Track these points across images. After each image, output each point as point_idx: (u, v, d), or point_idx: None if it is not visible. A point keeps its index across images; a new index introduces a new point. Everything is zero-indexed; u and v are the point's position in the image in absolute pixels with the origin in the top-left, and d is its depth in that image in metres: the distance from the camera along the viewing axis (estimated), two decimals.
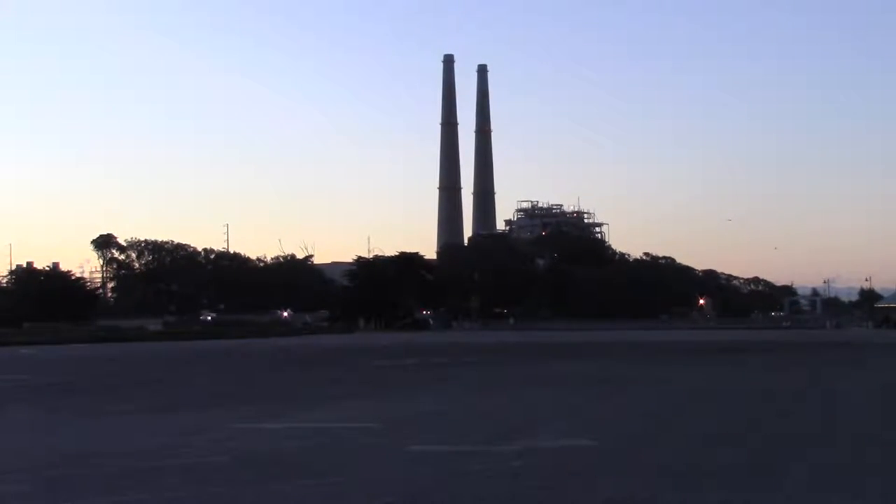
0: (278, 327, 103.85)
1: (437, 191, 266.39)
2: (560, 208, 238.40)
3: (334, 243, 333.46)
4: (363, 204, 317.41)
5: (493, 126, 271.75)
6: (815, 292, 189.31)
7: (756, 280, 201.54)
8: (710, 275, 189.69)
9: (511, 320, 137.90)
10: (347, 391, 23.02)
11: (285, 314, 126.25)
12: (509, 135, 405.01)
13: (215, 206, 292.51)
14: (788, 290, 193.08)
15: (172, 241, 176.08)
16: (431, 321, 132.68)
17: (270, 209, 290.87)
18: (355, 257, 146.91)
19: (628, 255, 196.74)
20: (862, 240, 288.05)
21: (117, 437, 14.11)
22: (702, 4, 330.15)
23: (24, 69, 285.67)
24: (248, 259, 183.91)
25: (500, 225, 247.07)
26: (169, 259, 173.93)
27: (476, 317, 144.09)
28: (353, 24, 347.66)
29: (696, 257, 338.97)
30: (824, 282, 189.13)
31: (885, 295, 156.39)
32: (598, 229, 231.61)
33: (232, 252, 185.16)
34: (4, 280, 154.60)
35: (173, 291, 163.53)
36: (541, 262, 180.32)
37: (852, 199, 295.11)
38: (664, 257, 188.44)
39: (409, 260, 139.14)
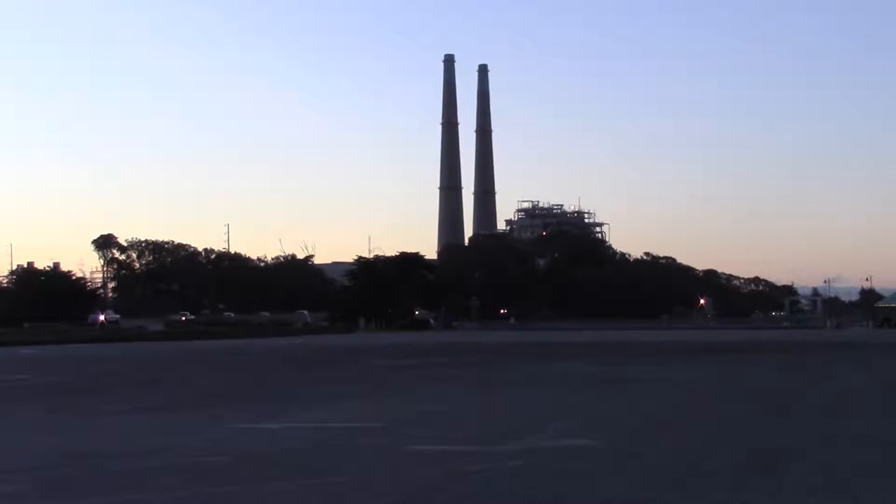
0: (279, 327, 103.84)
1: (438, 191, 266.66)
2: (561, 208, 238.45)
3: (335, 243, 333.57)
4: (364, 204, 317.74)
5: (493, 126, 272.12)
6: (815, 292, 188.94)
7: (757, 280, 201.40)
8: (711, 275, 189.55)
9: (511, 320, 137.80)
10: (347, 391, 23.01)
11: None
12: (510, 135, 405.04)
13: (215, 206, 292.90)
14: (789, 290, 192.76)
15: (173, 242, 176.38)
16: (432, 321, 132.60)
17: (271, 209, 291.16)
18: (356, 257, 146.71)
19: (629, 255, 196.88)
20: (863, 240, 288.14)
21: (117, 437, 14.10)
22: (702, 4, 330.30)
23: (25, 69, 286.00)
24: (248, 259, 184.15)
25: (501, 225, 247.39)
26: (169, 259, 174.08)
27: (476, 317, 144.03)
28: (354, 24, 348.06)
29: (696, 257, 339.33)
30: (825, 282, 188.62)
31: (886, 295, 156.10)
32: (598, 229, 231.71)
33: (232, 252, 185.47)
34: (5, 280, 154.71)
35: (174, 291, 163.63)
36: (541, 262, 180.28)
37: (853, 199, 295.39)
38: (665, 257, 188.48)
39: (409, 260, 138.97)
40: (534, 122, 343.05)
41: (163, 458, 11.78)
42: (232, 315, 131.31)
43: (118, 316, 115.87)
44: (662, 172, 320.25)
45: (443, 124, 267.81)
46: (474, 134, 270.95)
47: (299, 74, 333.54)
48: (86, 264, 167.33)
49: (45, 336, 72.53)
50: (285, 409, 17.97)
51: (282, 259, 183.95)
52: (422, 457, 11.72)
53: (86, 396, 22.34)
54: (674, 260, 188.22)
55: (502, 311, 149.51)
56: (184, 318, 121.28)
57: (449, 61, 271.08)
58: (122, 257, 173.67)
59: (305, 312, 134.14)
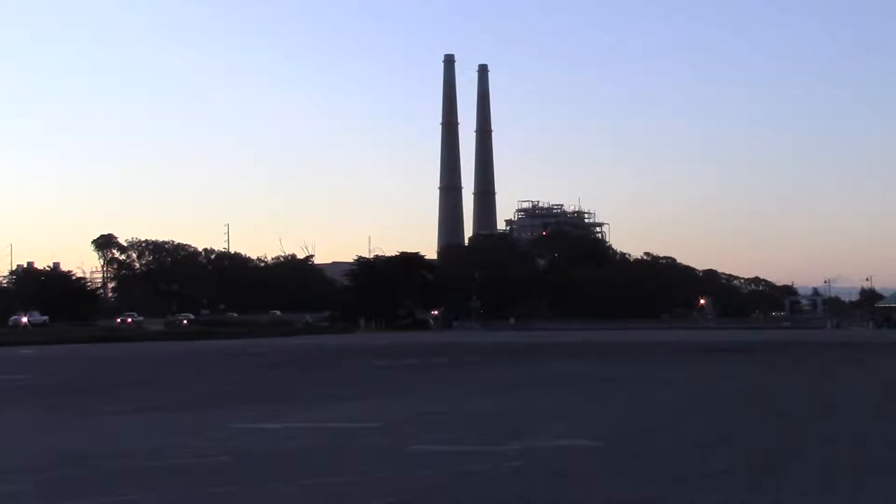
0: (280, 327, 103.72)
1: (438, 191, 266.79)
2: (560, 208, 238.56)
3: (335, 243, 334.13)
4: (364, 204, 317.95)
5: (493, 126, 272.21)
6: (815, 292, 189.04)
7: (757, 280, 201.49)
8: (711, 275, 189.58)
9: (511, 320, 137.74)
10: (347, 391, 23.00)
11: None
12: (510, 135, 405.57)
13: (215, 206, 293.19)
14: (789, 290, 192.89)
15: (173, 242, 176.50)
16: (432, 321, 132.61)
17: (270, 209, 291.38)
18: (356, 257, 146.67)
19: (629, 255, 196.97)
20: (863, 240, 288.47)
21: (117, 437, 14.10)
22: (702, 4, 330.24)
23: (25, 70, 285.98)
24: (248, 259, 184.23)
25: (501, 225, 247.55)
26: (169, 259, 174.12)
27: (476, 317, 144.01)
28: (354, 24, 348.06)
29: (696, 257, 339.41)
30: (825, 282, 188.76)
31: (886, 295, 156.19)
32: (598, 229, 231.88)
33: (232, 252, 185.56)
34: (5, 280, 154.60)
35: (174, 291, 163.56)
36: (541, 262, 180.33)
37: (853, 199, 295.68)
38: (665, 257, 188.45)
39: (409, 260, 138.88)
40: (533, 122, 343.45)
41: (163, 458, 11.78)
42: (192, 316, 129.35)
43: (45, 317, 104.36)
44: (662, 172, 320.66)
45: (443, 124, 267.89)
46: (474, 134, 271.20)
47: (299, 74, 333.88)
48: (86, 264, 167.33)
49: (45, 336, 72.53)
50: (286, 410, 17.96)
51: (282, 259, 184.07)
52: (422, 457, 11.72)
53: (86, 396, 22.33)
54: (674, 260, 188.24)
55: (502, 310, 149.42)
56: (130, 321, 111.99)
57: (449, 61, 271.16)
58: (122, 257, 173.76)
59: (278, 312, 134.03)
